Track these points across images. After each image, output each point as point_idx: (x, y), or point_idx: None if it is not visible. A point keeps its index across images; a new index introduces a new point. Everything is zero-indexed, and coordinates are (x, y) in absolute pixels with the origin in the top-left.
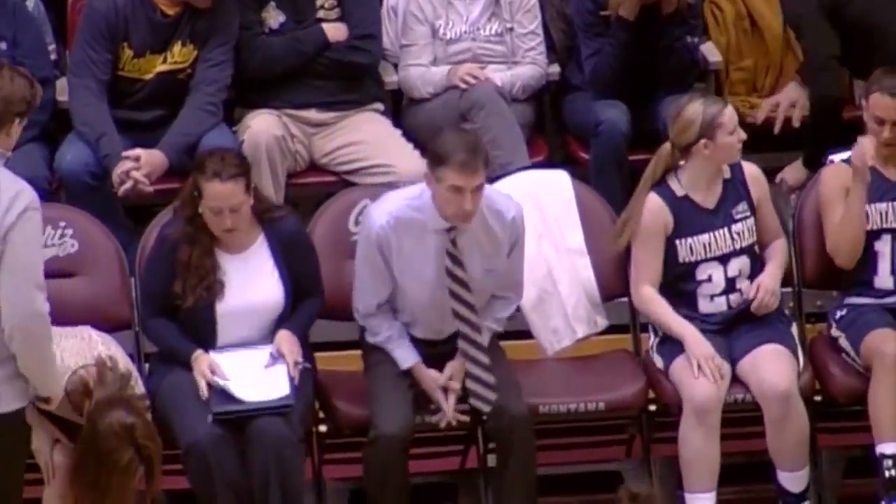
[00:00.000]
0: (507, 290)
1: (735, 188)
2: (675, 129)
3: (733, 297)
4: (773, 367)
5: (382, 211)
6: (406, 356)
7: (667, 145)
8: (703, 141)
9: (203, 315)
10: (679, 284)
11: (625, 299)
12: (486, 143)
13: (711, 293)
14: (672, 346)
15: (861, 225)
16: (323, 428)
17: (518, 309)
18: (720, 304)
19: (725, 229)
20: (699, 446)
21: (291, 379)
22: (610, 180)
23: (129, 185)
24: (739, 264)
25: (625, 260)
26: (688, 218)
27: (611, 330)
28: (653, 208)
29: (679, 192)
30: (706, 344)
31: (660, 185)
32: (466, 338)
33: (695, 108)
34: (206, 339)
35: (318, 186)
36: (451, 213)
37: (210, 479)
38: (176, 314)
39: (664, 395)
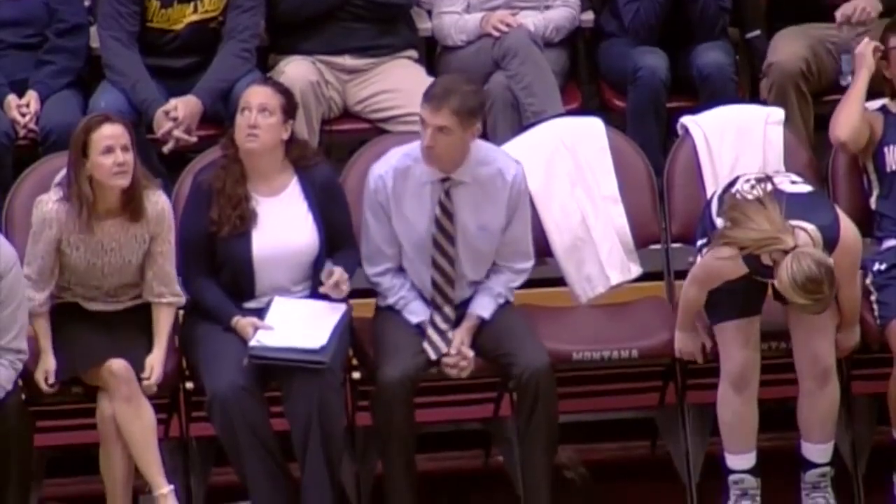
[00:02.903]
0: (513, 260)
1: None
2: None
3: None
4: (819, 338)
5: (381, 164)
6: (417, 310)
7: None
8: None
9: (240, 257)
10: None
11: (658, 246)
12: (519, 90)
13: None
14: (720, 309)
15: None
16: (356, 375)
17: (551, 256)
18: None
19: None
20: (738, 409)
21: (335, 332)
22: (647, 127)
23: (171, 144)
24: None
25: (658, 208)
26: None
27: (645, 277)
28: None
29: None
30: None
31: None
32: (438, 288)
33: (787, 276)
34: (245, 285)
35: (351, 133)
36: (422, 146)
37: (233, 430)
38: (216, 266)
39: None
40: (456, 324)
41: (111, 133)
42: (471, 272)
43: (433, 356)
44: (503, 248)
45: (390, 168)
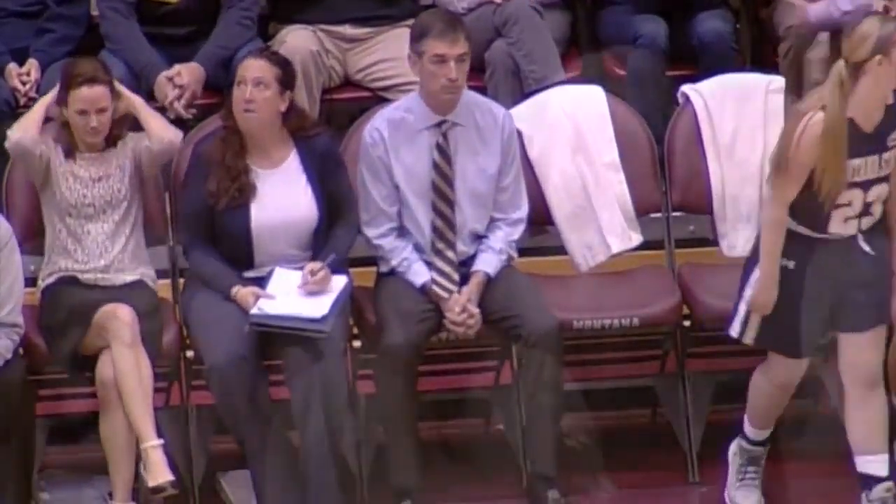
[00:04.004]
0: (509, 210)
1: (894, 114)
2: (848, 46)
3: (865, 220)
4: (867, 348)
5: (373, 120)
6: (421, 271)
7: (840, 63)
8: (877, 57)
9: (238, 229)
10: (815, 202)
11: (659, 215)
12: (520, 57)
13: (846, 216)
14: (776, 340)
15: None
16: (357, 343)
17: (552, 224)
18: (851, 227)
19: (877, 156)
20: (771, 397)
21: (336, 302)
22: (647, 95)
23: (172, 115)
24: (879, 190)
25: (659, 176)
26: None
27: (645, 246)
28: (819, 129)
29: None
30: (771, 299)
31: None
32: (438, 232)
33: (871, 24)
34: (243, 257)
35: (352, 102)
36: (439, 87)
37: (232, 400)
38: (215, 235)
39: (698, 311)
40: (461, 283)
41: (87, 97)
42: (472, 219)
43: (445, 295)
44: (499, 196)
45: (384, 120)
